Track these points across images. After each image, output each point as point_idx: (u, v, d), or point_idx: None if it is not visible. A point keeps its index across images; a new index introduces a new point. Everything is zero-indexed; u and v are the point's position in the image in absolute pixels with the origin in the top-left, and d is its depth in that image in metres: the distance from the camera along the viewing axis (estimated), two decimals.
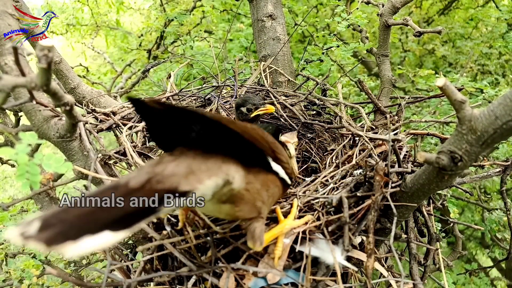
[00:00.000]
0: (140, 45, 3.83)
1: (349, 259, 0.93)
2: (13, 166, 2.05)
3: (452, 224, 1.34)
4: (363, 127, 1.39)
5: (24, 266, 1.51)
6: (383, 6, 1.52)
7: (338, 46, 1.90)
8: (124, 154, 1.23)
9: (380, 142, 1.25)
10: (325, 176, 1.18)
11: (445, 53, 3.87)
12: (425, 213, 1.16)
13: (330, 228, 0.93)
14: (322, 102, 1.60)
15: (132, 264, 1.05)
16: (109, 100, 1.63)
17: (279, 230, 0.92)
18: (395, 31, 3.09)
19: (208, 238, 0.94)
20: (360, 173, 1.09)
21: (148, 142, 1.37)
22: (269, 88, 1.71)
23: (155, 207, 0.56)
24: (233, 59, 2.42)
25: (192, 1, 3.32)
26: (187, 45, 2.87)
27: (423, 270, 1.11)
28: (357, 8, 1.77)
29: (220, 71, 1.94)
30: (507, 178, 1.23)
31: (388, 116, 1.42)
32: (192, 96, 1.68)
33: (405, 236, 1.10)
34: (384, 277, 0.94)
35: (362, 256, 0.92)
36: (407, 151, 1.17)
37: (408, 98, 1.55)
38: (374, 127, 1.39)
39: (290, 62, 1.91)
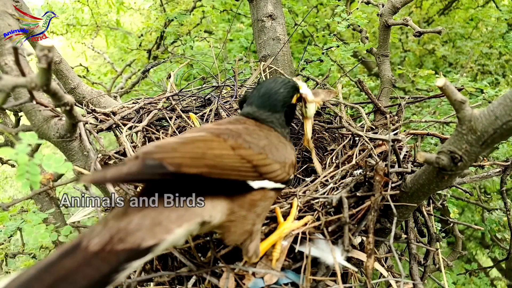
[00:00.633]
0: (140, 45, 3.83)
1: (349, 259, 0.93)
2: (13, 166, 2.05)
3: (452, 224, 1.34)
4: (363, 127, 1.39)
5: (24, 266, 1.51)
6: (383, 6, 1.52)
7: (338, 46, 1.90)
8: (124, 154, 1.23)
9: (380, 142, 1.25)
10: (325, 176, 1.18)
11: (445, 53, 3.87)
12: (425, 213, 1.16)
13: (330, 228, 0.93)
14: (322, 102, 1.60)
15: None
16: (109, 100, 1.63)
17: (278, 236, 0.90)
18: (395, 31, 3.09)
19: (208, 238, 0.94)
20: (360, 173, 1.09)
21: (148, 143, 1.37)
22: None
23: (112, 275, 0.54)
24: (233, 59, 2.42)
25: (192, 1, 3.32)
26: (187, 45, 2.86)
27: (423, 270, 1.11)
28: (357, 8, 1.77)
29: (220, 71, 1.94)
30: (507, 178, 1.23)
31: (388, 116, 1.42)
32: (192, 96, 1.68)
33: (405, 236, 1.10)
34: (384, 277, 0.94)
35: (362, 256, 0.92)
36: (407, 151, 1.17)
37: (408, 98, 1.55)
38: (374, 127, 1.39)
39: (290, 62, 1.91)
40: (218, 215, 0.70)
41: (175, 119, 1.49)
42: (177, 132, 1.44)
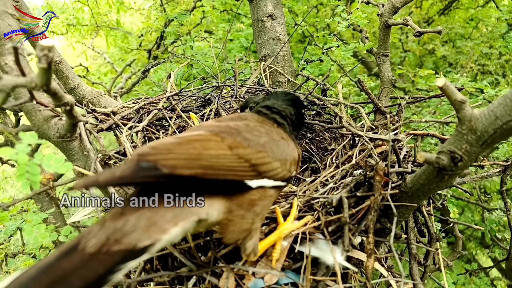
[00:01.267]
0: (140, 45, 3.83)
1: (349, 259, 0.93)
2: (13, 166, 2.05)
3: (452, 224, 1.34)
4: (363, 127, 1.39)
5: (24, 266, 1.51)
6: (383, 6, 1.52)
7: (338, 46, 1.90)
8: (124, 154, 1.23)
9: (380, 142, 1.25)
10: (325, 176, 1.18)
11: (445, 53, 3.87)
12: (425, 213, 1.16)
13: (330, 228, 0.93)
14: (322, 102, 1.60)
15: None
16: (109, 100, 1.63)
17: (277, 237, 0.90)
18: (395, 31, 3.09)
19: (208, 238, 0.94)
20: (360, 173, 1.09)
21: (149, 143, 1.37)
22: (269, 88, 1.71)
23: (107, 276, 0.54)
24: (233, 59, 2.42)
25: (192, 1, 3.32)
26: (187, 45, 2.86)
27: (423, 270, 1.11)
28: (357, 8, 1.77)
29: (220, 71, 1.94)
30: (507, 178, 1.23)
31: (388, 116, 1.42)
32: (192, 96, 1.68)
33: (405, 236, 1.10)
34: (384, 277, 0.94)
35: (362, 256, 0.92)
36: (407, 151, 1.17)
37: (408, 98, 1.55)
38: (374, 127, 1.39)
39: (290, 62, 1.91)
40: (215, 213, 0.70)
41: (175, 119, 1.49)
42: (177, 132, 1.44)
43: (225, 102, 1.65)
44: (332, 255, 0.87)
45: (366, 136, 1.23)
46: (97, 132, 1.29)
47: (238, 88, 1.71)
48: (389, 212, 0.98)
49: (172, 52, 3.53)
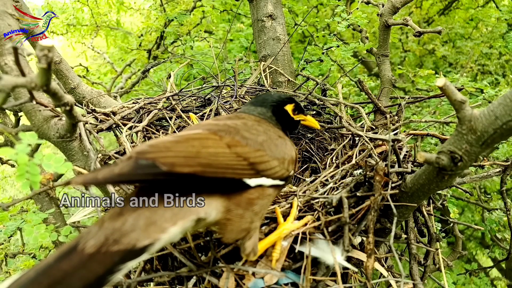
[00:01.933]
0: (140, 45, 3.83)
1: (349, 259, 0.93)
2: (13, 166, 2.05)
3: (452, 224, 1.34)
4: (363, 127, 1.39)
5: (24, 266, 1.51)
6: (383, 6, 1.52)
7: (338, 46, 1.90)
8: (124, 154, 1.23)
9: (380, 142, 1.25)
10: (325, 176, 1.18)
11: (445, 53, 3.87)
12: (425, 213, 1.16)
13: (330, 228, 0.93)
14: (322, 102, 1.60)
15: None
16: (109, 100, 1.63)
17: (277, 236, 0.90)
18: (395, 31, 3.09)
19: (208, 238, 0.94)
20: (360, 173, 1.09)
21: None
22: (269, 88, 1.71)
23: (107, 276, 0.54)
24: (233, 59, 2.42)
25: (192, 1, 3.31)
26: (187, 45, 2.86)
27: (423, 270, 1.11)
28: (357, 8, 1.77)
29: (220, 71, 1.94)
30: (507, 178, 1.23)
31: (388, 116, 1.42)
32: (192, 96, 1.68)
33: (405, 236, 1.10)
34: (384, 277, 0.94)
35: (362, 256, 0.92)
36: (407, 151, 1.17)
37: (408, 98, 1.55)
38: (374, 127, 1.39)
39: (290, 62, 1.91)
40: (214, 213, 0.70)
41: (175, 119, 1.49)
42: (177, 132, 1.44)
43: (225, 102, 1.65)
44: (332, 255, 0.87)
45: (366, 136, 1.23)
46: (97, 132, 1.29)
47: (238, 88, 1.71)
48: (389, 212, 0.98)
49: (172, 52, 3.52)
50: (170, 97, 1.58)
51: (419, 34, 1.40)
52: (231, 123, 0.81)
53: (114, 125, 1.36)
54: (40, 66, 0.66)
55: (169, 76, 1.72)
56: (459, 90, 1.36)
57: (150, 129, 1.41)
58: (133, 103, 1.52)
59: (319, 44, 2.92)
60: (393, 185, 0.97)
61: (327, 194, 1.06)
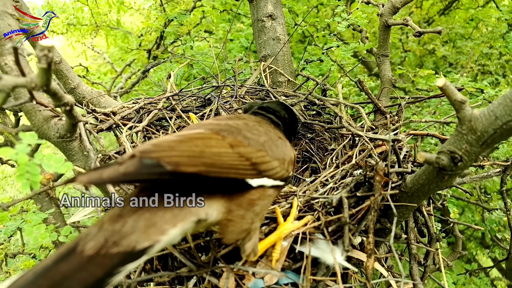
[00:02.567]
0: (140, 45, 3.83)
1: (349, 259, 0.93)
2: (13, 166, 2.05)
3: (452, 224, 1.34)
4: (363, 127, 1.39)
5: (24, 266, 1.51)
6: (383, 6, 1.52)
7: (338, 46, 1.90)
8: (124, 154, 1.23)
9: (380, 142, 1.25)
10: (325, 176, 1.18)
11: (445, 53, 3.87)
12: (425, 213, 1.16)
13: (330, 228, 0.93)
14: (322, 102, 1.60)
15: None
16: (109, 100, 1.63)
17: (277, 237, 0.90)
18: (395, 31, 3.09)
19: (208, 238, 0.94)
20: (360, 173, 1.09)
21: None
22: (269, 88, 1.71)
23: (106, 279, 0.53)
24: (233, 59, 2.42)
25: (192, 1, 3.31)
26: (187, 45, 2.86)
27: (423, 270, 1.11)
28: (357, 8, 1.77)
29: (220, 71, 1.94)
30: (507, 178, 1.23)
31: (388, 116, 1.42)
32: (192, 96, 1.68)
33: (405, 236, 1.10)
34: (384, 277, 0.94)
35: (362, 256, 0.92)
36: (407, 151, 1.17)
37: (408, 98, 1.55)
38: (374, 127, 1.39)
39: (290, 62, 1.91)
40: (215, 213, 0.69)
41: (175, 119, 1.49)
42: (177, 132, 1.44)
43: (225, 102, 1.65)
44: (332, 255, 0.87)
45: (366, 136, 1.23)
46: (97, 132, 1.29)
47: (238, 88, 1.71)
48: (389, 212, 0.98)
49: (172, 52, 3.52)
50: (170, 97, 1.58)
51: (419, 34, 1.40)
52: (232, 123, 0.81)
53: (114, 125, 1.36)
54: (40, 66, 0.66)
55: (169, 76, 1.72)
56: (459, 90, 1.36)
57: (150, 129, 1.41)
58: (133, 103, 1.52)
59: (319, 44, 2.92)
60: (393, 185, 0.97)
61: (327, 194, 1.06)
